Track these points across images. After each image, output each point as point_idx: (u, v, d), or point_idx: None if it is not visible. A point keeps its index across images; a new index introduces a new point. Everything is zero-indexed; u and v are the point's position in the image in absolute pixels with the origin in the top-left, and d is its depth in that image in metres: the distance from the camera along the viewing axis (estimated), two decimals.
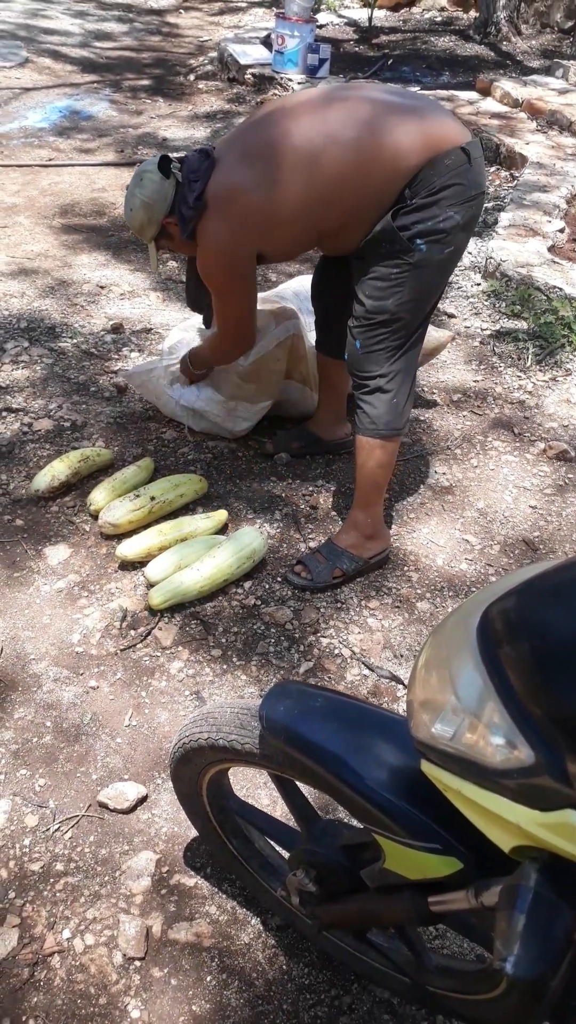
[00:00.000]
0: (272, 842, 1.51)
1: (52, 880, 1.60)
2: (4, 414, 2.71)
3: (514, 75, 5.98)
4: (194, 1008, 1.45)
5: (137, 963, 1.50)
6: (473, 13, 7.44)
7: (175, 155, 2.07)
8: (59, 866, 1.62)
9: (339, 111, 1.90)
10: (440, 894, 1.03)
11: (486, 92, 5.57)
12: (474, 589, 2.24)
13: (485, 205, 4.34)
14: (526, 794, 0.73)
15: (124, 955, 1.50)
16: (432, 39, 7.03)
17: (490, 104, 5.41)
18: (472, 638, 0.79)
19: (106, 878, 1.61)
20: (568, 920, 0.73)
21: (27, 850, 1.64)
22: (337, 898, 1.22)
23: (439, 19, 7.64)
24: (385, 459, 2.11)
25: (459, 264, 3.80)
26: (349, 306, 2.26)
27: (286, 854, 1.52)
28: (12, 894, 1.57)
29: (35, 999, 1.44)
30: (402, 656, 2.05)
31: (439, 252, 1.90)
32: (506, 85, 5.47)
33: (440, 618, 2.15)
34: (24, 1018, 1.42)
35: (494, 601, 0.80)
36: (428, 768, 0.85)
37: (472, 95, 5.57)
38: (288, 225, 1.98)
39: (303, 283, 2.77)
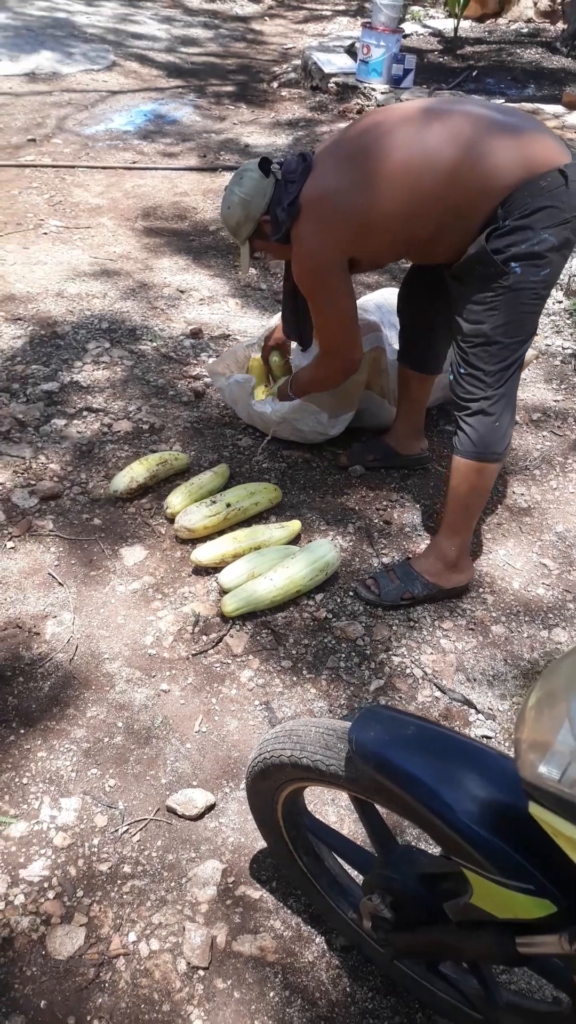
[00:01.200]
0: (344, 863, 1.50)
1: (119, 882, 1.61)
2: (85, 413, 2.76)
3: None
4: (256, 1023, 1.45)
5: (201, 972, 1.50)
6: (561, 25, 7.32)
7: (276, 159, 2.09)
8: (127, 868, 1.63)
9: (438, 125, 1.88)
10: (528, 935, 1.01)
11: (572, 106, 5.47)
12: (551, 615, 2.19)
13: None
14: None
15: (188, 963, 1.51)
16: (518, 51, 6.94)
17: None
18: None
19: (172, 884, 1.62)
20: None
21: (96, 850, 1.65)
22: (413, 927, 1.21)
23: (525, 31, 7.54)
24: (481, 485, 2.07)
25: None
26: (434, 319, 2.24)
27: (357, 875, 1.51)
28: (80, 892, 1.59)
29: (100, 1000, 1.45)
30: (475, 680, 2.02)
31: (534, 275, 1.86)
32: None
33: (516, 643, 2.11)
34: (89, 1018, 1.43)
35: None
36: (537, 811, 0.83)
37: (558, 109, 5.48)
38: (380, 234, 1.99)
39: (386, 296, 2.75)
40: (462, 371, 1.99)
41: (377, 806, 1.28)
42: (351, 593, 2.21)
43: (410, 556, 2.28)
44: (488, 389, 1.96)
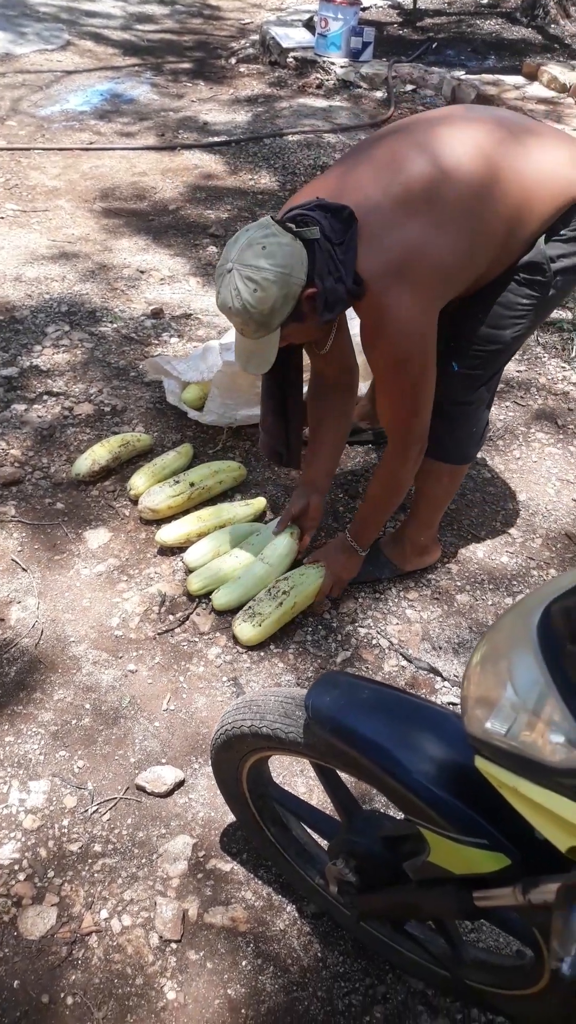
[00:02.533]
0: (310, 831, 1.51)
1: (90, 861, 1.61)
2: (45, 398, 2.73)
3: (562, 59, 5.85)
4: (229, 992, 1.46)
5: (173, 945, 1.51)
6: None
7: (277, 216, 1.67)
8: (97, 847, 1.64)
9: (487, 139, 1.66)
10: (485, 889, 1.03)
11: (533, 76, 5.47)
12: (515, 582, 2.21)
13: None
14: None
15: (160, 937, 1.52)
16: (478, 22, 6.91)
17: (537, 89, 5.31)
18: (532, 635, 0.78)
19: (143, 861, 1.62)
20: None
21: (66, 831, 1.65)
22: (377, 889, 1.22)
23: (485, 1, 7.50)
24: (451, 487, 2.06)
25: None
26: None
27: (324, 843, 1.52)
28: (51, 873, 1.59)
29: (73, 977, 1.46)
30: (440, 648, 2.04)
31: (567, 289, 1.79)
32: (553, 69, 5.36)
33: (480, 611, 2.13)
34: (62, 995, 1.44)
35: (556, 598, 0.79)
36: (482, 764, 0.84)
37: (518, 80, 5.47)
38: (467, 278, 1.71)
39: None
40: (455, 367, 1.82)
41: (340, 773, 1.30)
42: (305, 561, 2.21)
43: (380, 536, 2.28)
44: (473, 393, 1.88)
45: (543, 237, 1.69)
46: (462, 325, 1.79)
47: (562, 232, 1.70)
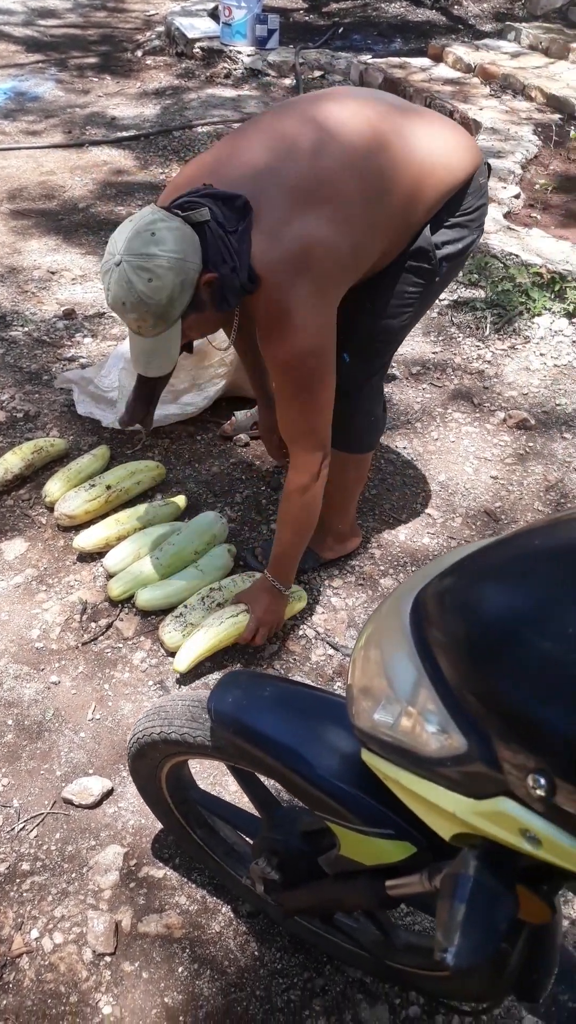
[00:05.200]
0: (237, 830, 1.50)
1: (18, 880, 1.58)
2: None
3: (466, 40, 5.90)
4: (166, 1000, 1.44)
5: (107, 959, 1.49)
6: None
7: (160, 205, 1.54)
8: (25, 866, 1.60)
9: (380, 123, 1.61)
10: (396, 878, 1.03)
11: (438, 58, 5.50)
12: None
13: None
14: (461, 782, 0.71)
15: (94, 951, 1.49)
16: (383, 5, 6.92)
17: (443, 70, 5.34)
18: (405, 623, 0.77)
19: (73, 875, 1.59)
20: (509, 907, 0.72)
21: None
22: (299, 884, 1.21)
23: None
24: (358, 475, 2.06)
25: None
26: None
27: (252, 842, 1.51)
28: None
29: (3, 1002, 1.43)
30: None
31: (453, 274, 1.79)
32: (458, 50, 5.40)
33: None
34: None
35: (426, 584, 0.78)
36: (368, 757, 0.83)
37: (424, 61, 5.49)
38: (362, 268, 1.65)
39: None
40: (346, 359, 1.73)
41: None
42: (240, 563, 2.20)
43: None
44: (364, 380, 1.86)
45: (428, 226, 1.68)
46: (354, 317, 1.71)
47: (447, 220, 1.69)
